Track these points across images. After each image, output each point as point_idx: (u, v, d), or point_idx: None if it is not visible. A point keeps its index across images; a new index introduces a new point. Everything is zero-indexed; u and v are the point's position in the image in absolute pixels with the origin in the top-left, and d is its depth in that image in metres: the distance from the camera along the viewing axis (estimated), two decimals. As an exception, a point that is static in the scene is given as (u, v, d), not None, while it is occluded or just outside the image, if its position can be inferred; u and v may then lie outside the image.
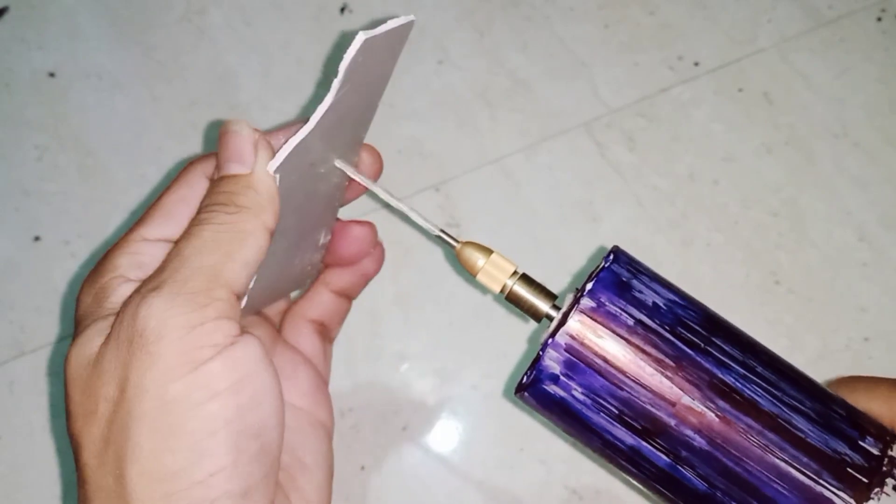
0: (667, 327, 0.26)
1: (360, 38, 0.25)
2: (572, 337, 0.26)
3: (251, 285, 0.27)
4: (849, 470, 0.24)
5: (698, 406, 0.25)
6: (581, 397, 0.26)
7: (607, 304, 0.26)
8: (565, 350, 0.26)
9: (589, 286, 0.26)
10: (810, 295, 0.46)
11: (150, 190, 0.49)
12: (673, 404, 0.25)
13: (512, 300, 0.29)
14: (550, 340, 0.26)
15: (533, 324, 0.44)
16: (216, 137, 0.28)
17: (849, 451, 0.25)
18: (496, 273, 0.28)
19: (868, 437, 0.25)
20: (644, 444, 0.25)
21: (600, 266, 0.27)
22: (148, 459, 0.23)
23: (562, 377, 0.26)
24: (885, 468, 0.25)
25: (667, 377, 0.25)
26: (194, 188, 0.29)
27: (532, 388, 0.26)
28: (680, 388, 0.25)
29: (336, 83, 0.26)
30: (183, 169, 0.30)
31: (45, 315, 0.46)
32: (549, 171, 0.49)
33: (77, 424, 0.25)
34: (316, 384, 0.35)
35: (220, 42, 0.52)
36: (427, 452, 0.43)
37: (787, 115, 0.49)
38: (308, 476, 0.31)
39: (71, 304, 0.46)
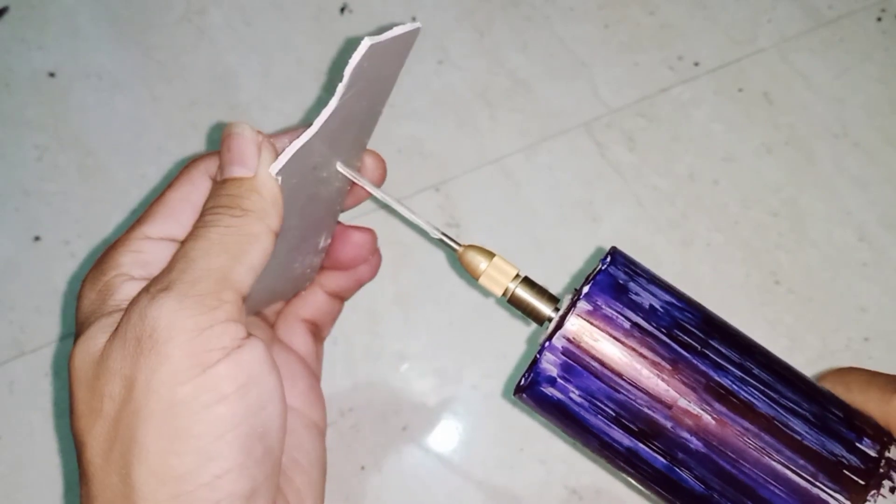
0: (663, 330, 0.26)
1: (366, 43, 0.25)
2: (569, 340, 0.26)
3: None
4: (845, 472, 0.24)
5: (695, 408, 0.25)
6: (578, 399, 0.26)
7: (604, 307, 0.26)
8: (562, 353, 0.26)
9: (585, 289, 0.26)
10: (810, 295, 0.46)
11: (150, 190, 0.49)
12: (669, 407, 0.25)
13: (514, 303, 0.29)
14: (547, 343, 0.26)
15: (534, 324, 0.44)
16: (219, 139, 0.28)
17: (845, 453, 0.25)
18: (498, 277, 0.29)
19: (865, 439, 0.25)
20: (641, 445, 0.25)
21: (597, 268, 0.27)
22: (155, 460, 0.23)
23: (559, 379, 0.26)
24: (881, 470, 0.25)
25: (663, 380, 0.25)
26: (197, 187, 0.29)
27: (529, 390, 0.26)
28: (676, 391, 0.25)
29: (340, 88, 0.26)
30: (185, 167, 0.30)
31: (45, 315, 0.46)
32: (549, 171, 0.49)
33: (81, 422, 0.25)
34: (310, 384, 0.35)
35: (220, 42, 0.52)
36: (427, 452, 0.43)
37: (787, 115, 0.49)
38: (303, 476, 0.32)
39: (71, 304, 0.46)
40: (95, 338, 0.25)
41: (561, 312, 0.27)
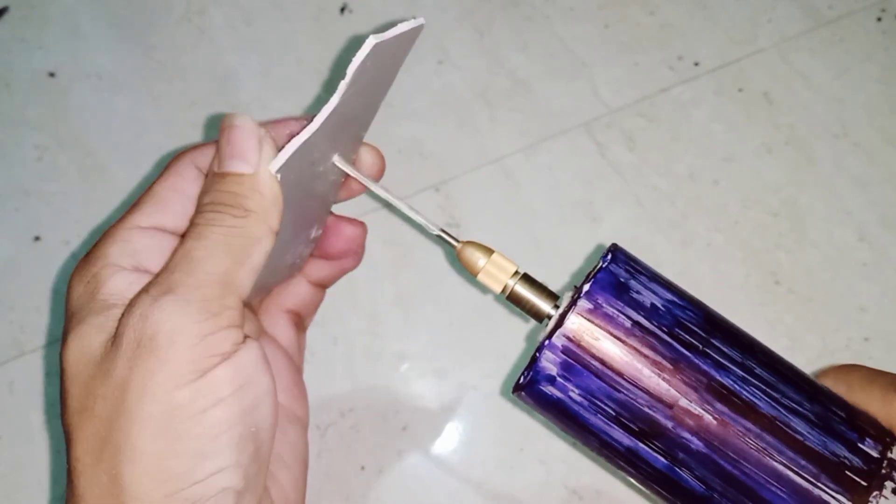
0: (665, 329, 0.25)
1: (371, 42, 0.25)
2: (569, 338, 0.25)
3: None
4: (847, 473, 0.24)
5: (696, 408, 0.25)
6: (578, 398, 0.26)
7: (604, 305, 0.26)
8: (562, 352, 0.25)
9: (586, 287, 0.26)
10: (810, 295, 0.46)
11: (149, 190, 0.49)
12: (670, 406, 0.25)
13: (513, 300, 0.28)
14: (547, 342, 0.26)
15: (534, 323, 0.44)
16: (216, 131, 0.28)
17: (848, 454, 0.25)
18: (497, 273, 0.28)
19: (867, 440, 0.25)
20: (641, 445, 0.25)
21: (598, 266, 0.26)
22: (150, 462, 0.23)
23: (558, 378, 0.26)
24: (884, 471, 0.24)
25: (664, 379, 0.25)
26: (185, 178, 0.29)
27: (528, 389, 0.26)
28: (677, 391, 0.25)
29: (343, 85, 0.26)
30: (173, 159, 0.29)
31: (45, 315, 0.46)
32: (549, 171, 0.49)
33: (73, 418, 0.25)
34: (294, 379, 0.35)
35: (220, 42, 0.52)
36: (427, 452, 0.43)
37: (787, 115, 0.49)
38: (286, 471, 0.32)
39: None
40: (89, 335, 0.25)
41: (561, 310, 0.27)
